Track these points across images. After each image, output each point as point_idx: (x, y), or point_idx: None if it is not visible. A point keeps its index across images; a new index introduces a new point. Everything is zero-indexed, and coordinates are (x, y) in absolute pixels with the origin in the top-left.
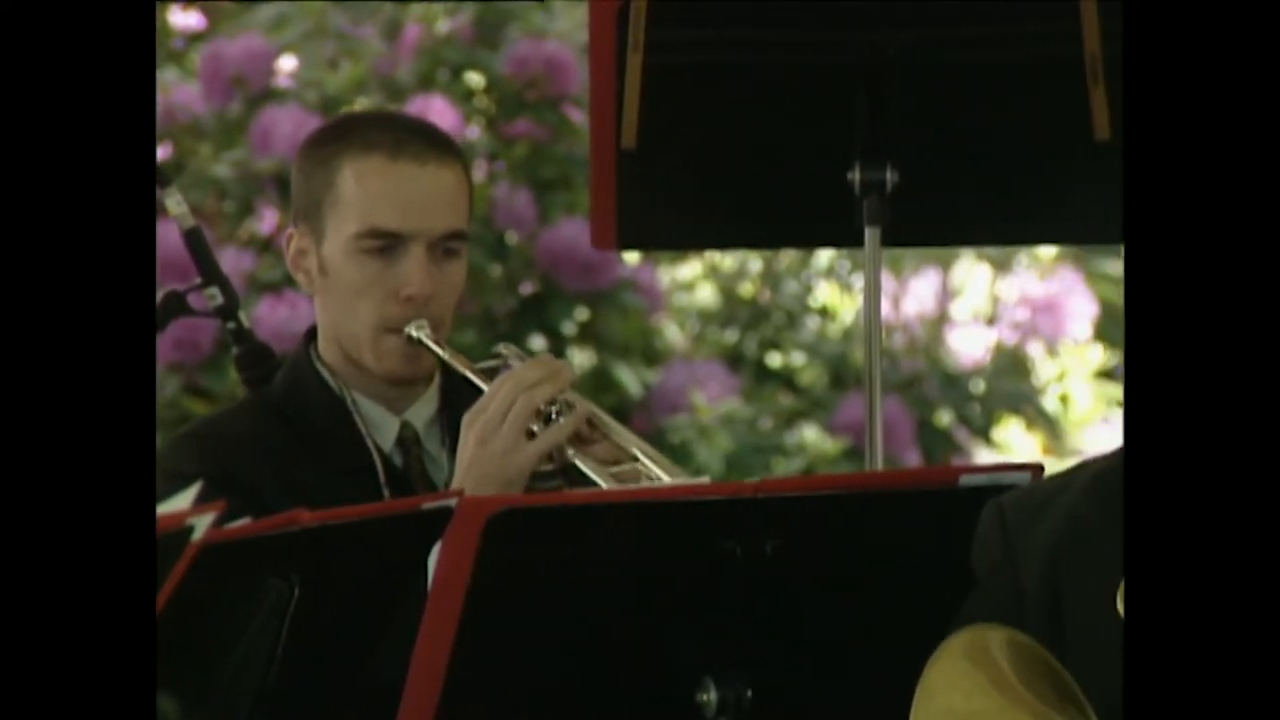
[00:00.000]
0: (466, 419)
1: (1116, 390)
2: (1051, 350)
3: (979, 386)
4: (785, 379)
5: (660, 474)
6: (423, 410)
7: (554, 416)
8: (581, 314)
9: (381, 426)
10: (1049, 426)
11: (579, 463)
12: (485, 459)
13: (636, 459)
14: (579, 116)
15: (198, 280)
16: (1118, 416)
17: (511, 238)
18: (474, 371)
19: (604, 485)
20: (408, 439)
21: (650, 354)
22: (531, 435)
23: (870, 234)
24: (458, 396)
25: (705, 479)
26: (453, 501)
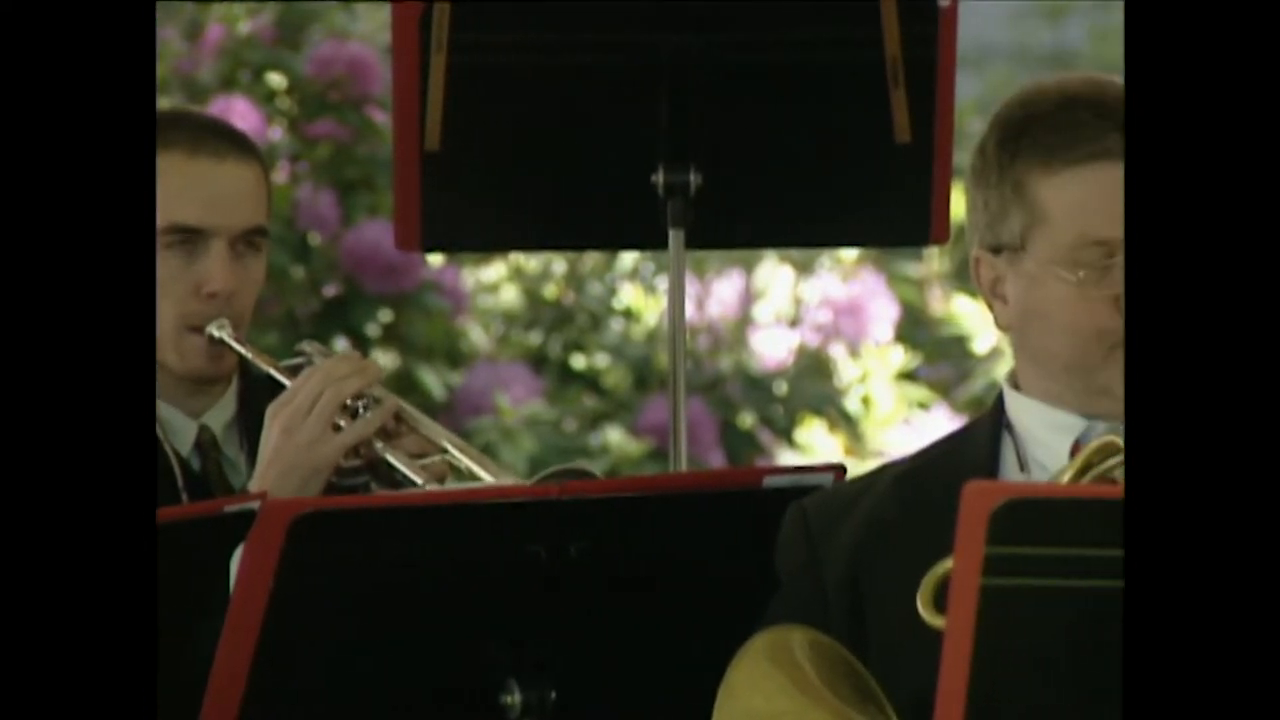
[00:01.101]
0: (271, 409)
1: (917, 392)
2: (853, 352)
3: (782, 388)
4: (589, 381)
5: (470, 464)
6: (220, 413)
7: (361, 411)
8: (385, 316)
9: (178, 430)
10: (851, 428)
11: (387, 456)
12: (290, 450)
13: (446, 451)
14: (382, 118)
15: None
16: (918, 418)
17: (314, 239)
18: (278, 369)
19: (413, 478)
20: (205, 442)
21: (454, 356)
22: (338, 429)
23: (674, 236)
24: (256, 400)
25: (513, 479)
26: (256, 504)
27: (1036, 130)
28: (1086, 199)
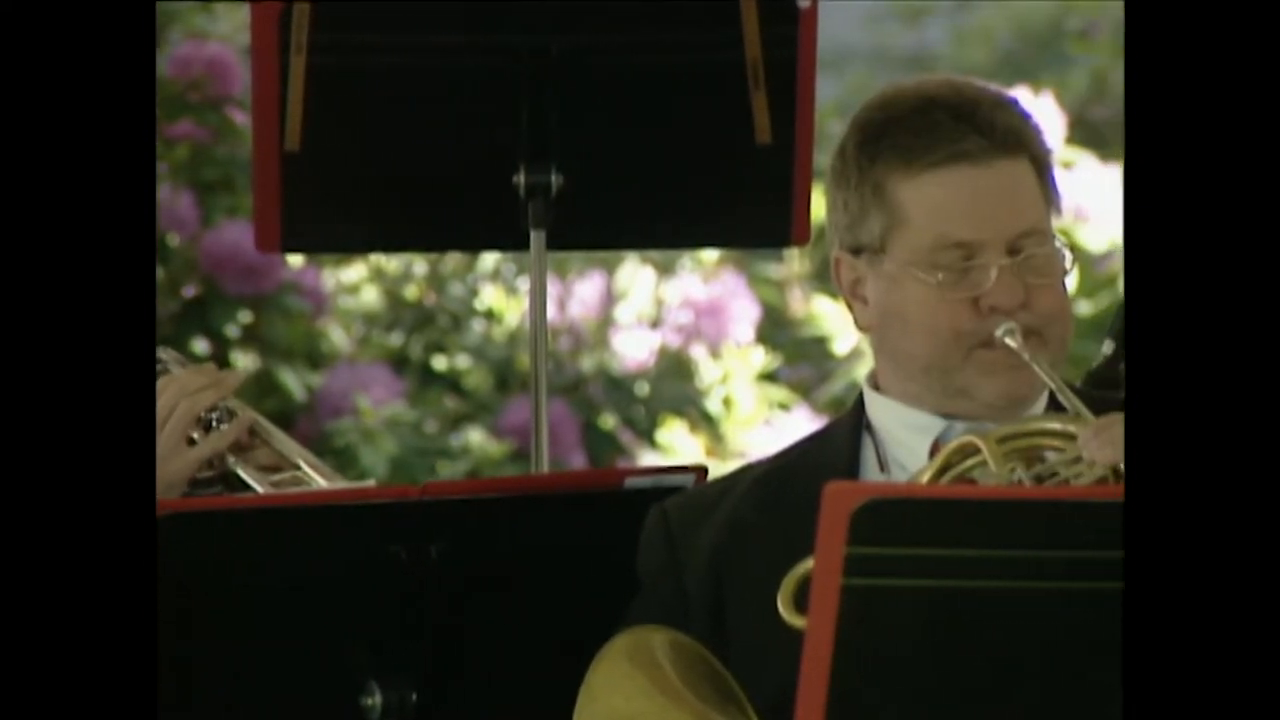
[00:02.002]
0: None
1: (778, 393)
2: (714, 353)
3: (643, 389)
4: (450, 382)
5: (322, 482)
6: None
7: (215, 424)
8: (245, 317)
9: None
10: (712, 429)
11: (239, 470)
12: None
13: (298, 467)
14: (242, 118)
15: None
16: (779, 419)
17: (173, 240)
18: None
19: (263, 493)
20: None
21: (314, 357)
22: (192, 442)
23: (535, 237)
24: None
25: (370, 483)
26: None
27: (895, 133)
28: (945, 201)
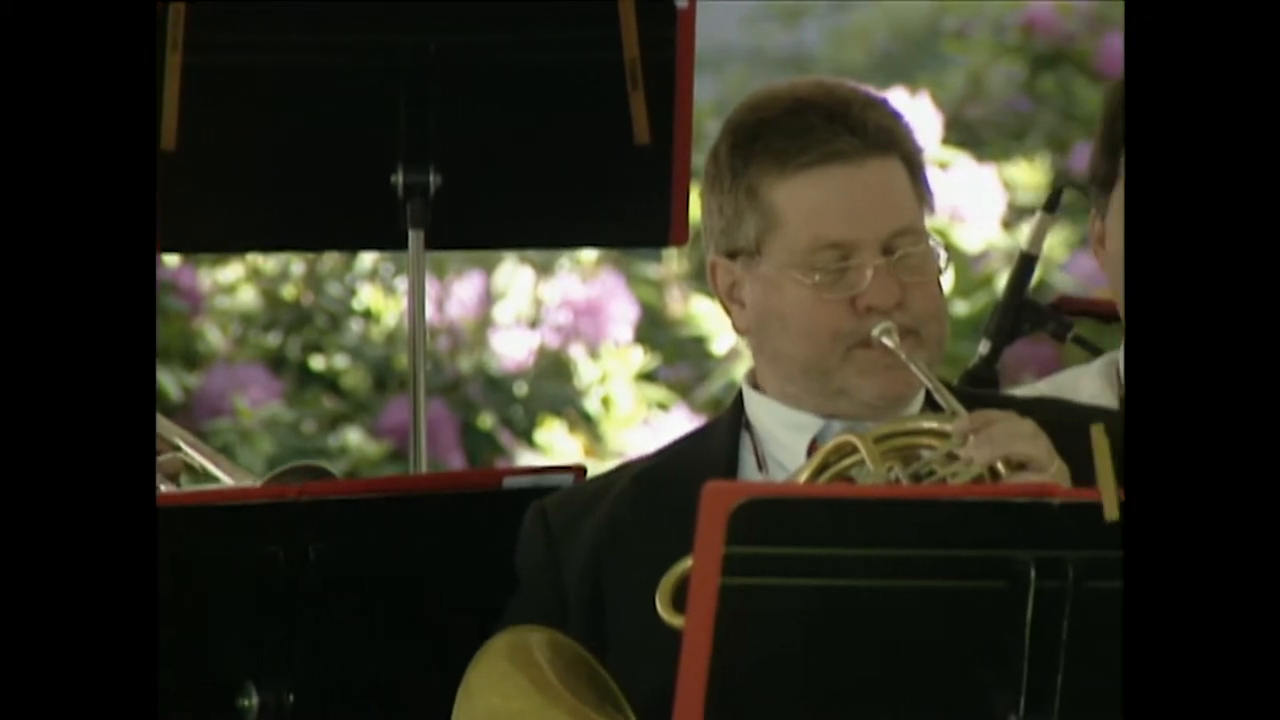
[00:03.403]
0: None
1: (657, 392)
2: (593, 353)
3: (522, 389)
4: (328, 382)
5: (204, 462)
6: None
7: None
8: None
9: None
10: (591, 429)
11: None
12: None
13: (179, 449)
14: None
15: None
16: (658, 418)
17: None
18: None
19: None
20: None
21: (191, 357)
22: None
23: (414, 237)
24: None
25: (250, 478)
26: None
27: (768, 135)
28: (819, 202)
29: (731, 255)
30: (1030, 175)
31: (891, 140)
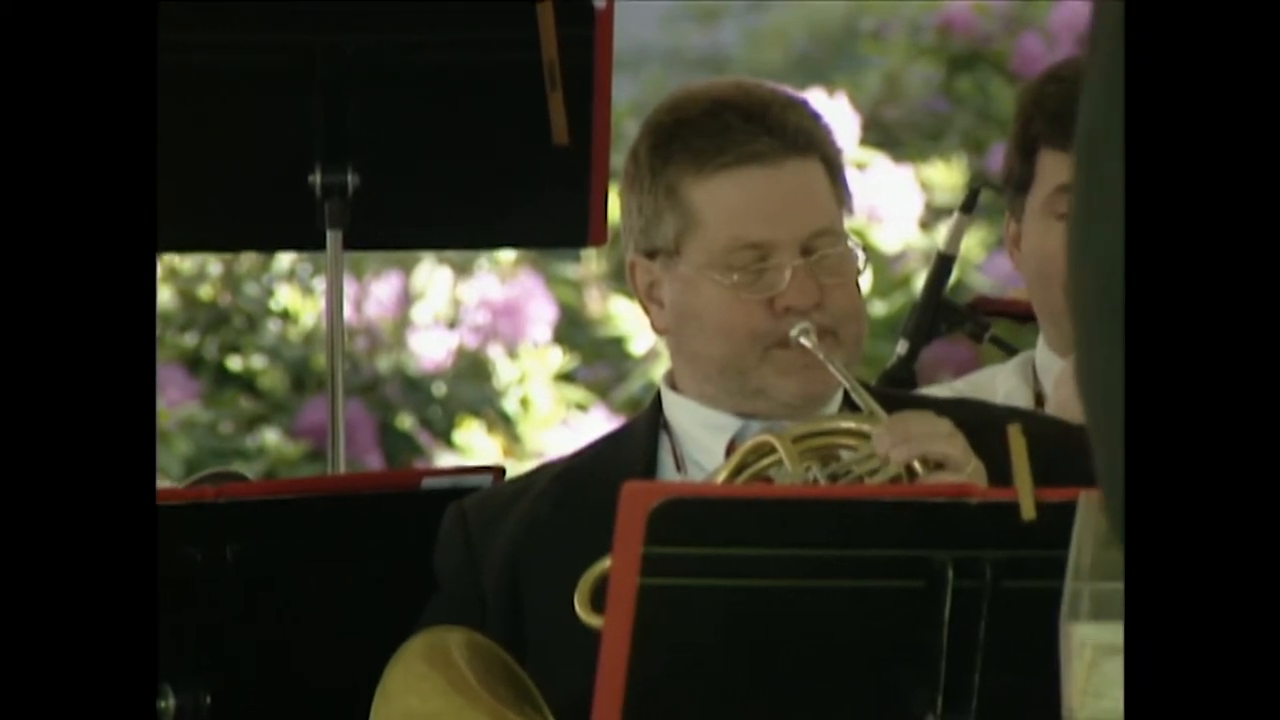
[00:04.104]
0: None
1: (576, 393)
2: (512, 353)
3: (440, 389)
4: (246, 382)
5: None
6: None
7: None
8: None
9: None
10: (509, 429)
11: None
12: None
13: None
14: None
15: None
16: (576, 419)
17: None
18: None
19: None
20: None
21: None
22: None
23: (331, 237)
24: None
25: (167, 481)
26: None
27: (686, 135)
28: (738, 202)
29: (650, 255)
30: (947, 176)
31: (811, 142)
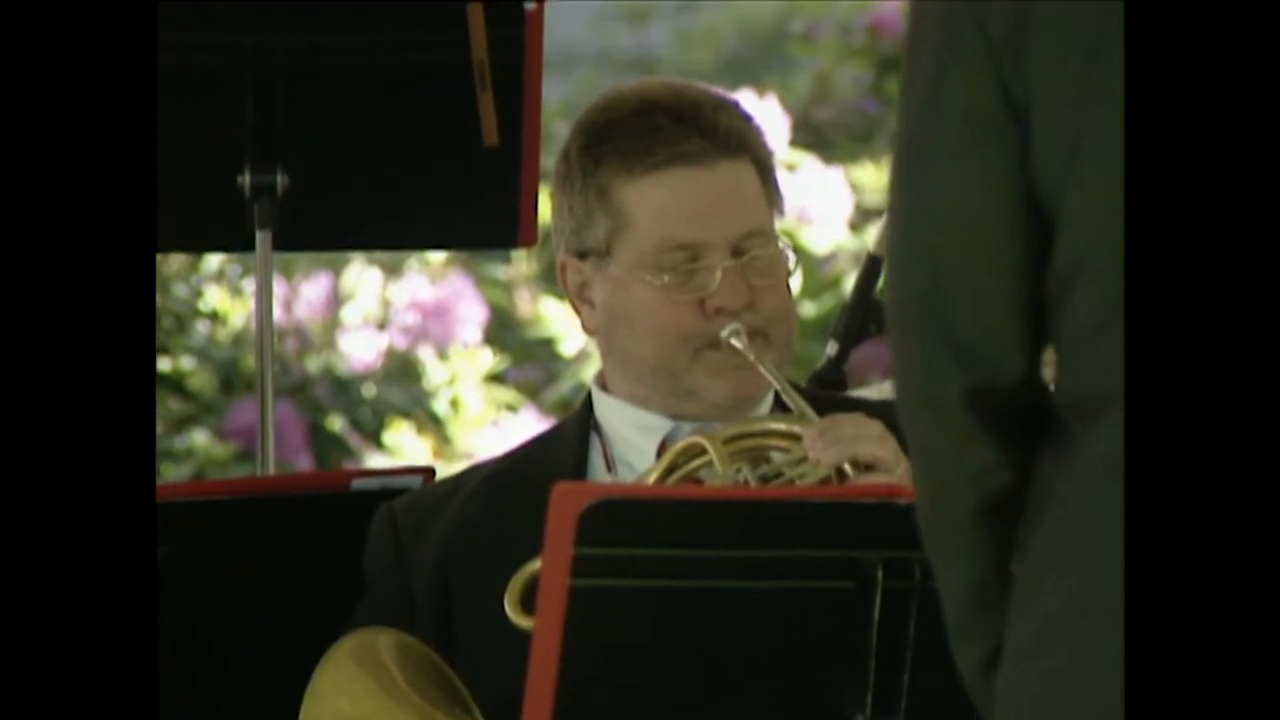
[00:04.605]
0: None
1: (505, 394)
2: (442, 354)
3: (370, 390)
4: (174, 383)
5: None
6: None
7: None
8: None
9: None
10: (439, 430)
11: None
12: None
13: None
14: None
15: None
16: (507, 420)
17: None
18: None
19: None
20: None
21: None
22: None
23: (261, 238)
24: None
25: None
26: None
27: (617, 136)
28: (668, 203)
29: (581, 255)
30: (877, 177)
31: (742, 143)
